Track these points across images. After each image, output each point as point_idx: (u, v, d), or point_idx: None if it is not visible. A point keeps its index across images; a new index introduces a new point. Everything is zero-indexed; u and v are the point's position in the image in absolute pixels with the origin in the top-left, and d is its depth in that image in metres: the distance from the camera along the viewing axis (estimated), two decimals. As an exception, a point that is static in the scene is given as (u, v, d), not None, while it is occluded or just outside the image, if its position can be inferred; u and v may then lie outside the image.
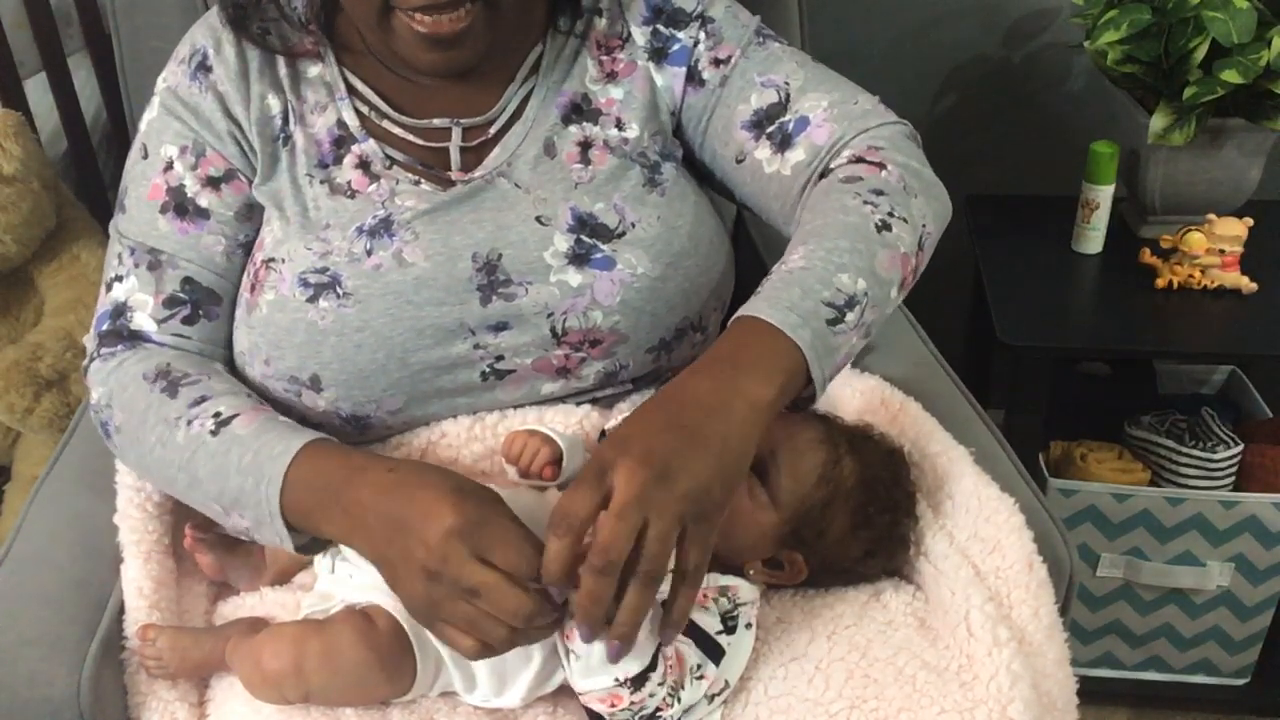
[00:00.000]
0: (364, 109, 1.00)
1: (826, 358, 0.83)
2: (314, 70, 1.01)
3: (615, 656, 0.76)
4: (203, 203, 0.99)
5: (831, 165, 0.98)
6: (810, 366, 0.82)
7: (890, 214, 0.90)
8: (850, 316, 0.85)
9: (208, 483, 0.89)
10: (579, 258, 0.95)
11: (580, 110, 1.02)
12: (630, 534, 0.71)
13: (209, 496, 0.89)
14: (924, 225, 0.93)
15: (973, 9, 1.78)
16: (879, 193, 0.92)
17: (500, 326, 0.95)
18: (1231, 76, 1.42)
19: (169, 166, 0.99)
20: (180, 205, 0.98)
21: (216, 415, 0.90)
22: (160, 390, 0.93)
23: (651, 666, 0.80)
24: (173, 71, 1.01)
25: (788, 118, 1.00)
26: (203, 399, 0.92)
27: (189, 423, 0.90)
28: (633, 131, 1.01)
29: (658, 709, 0.82)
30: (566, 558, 0.73)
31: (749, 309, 0.84)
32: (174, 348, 0.98)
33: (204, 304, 0.99)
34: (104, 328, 0.99)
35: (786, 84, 1.02)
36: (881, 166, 0.95)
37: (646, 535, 0.71)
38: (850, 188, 0.93)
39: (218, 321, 1.00)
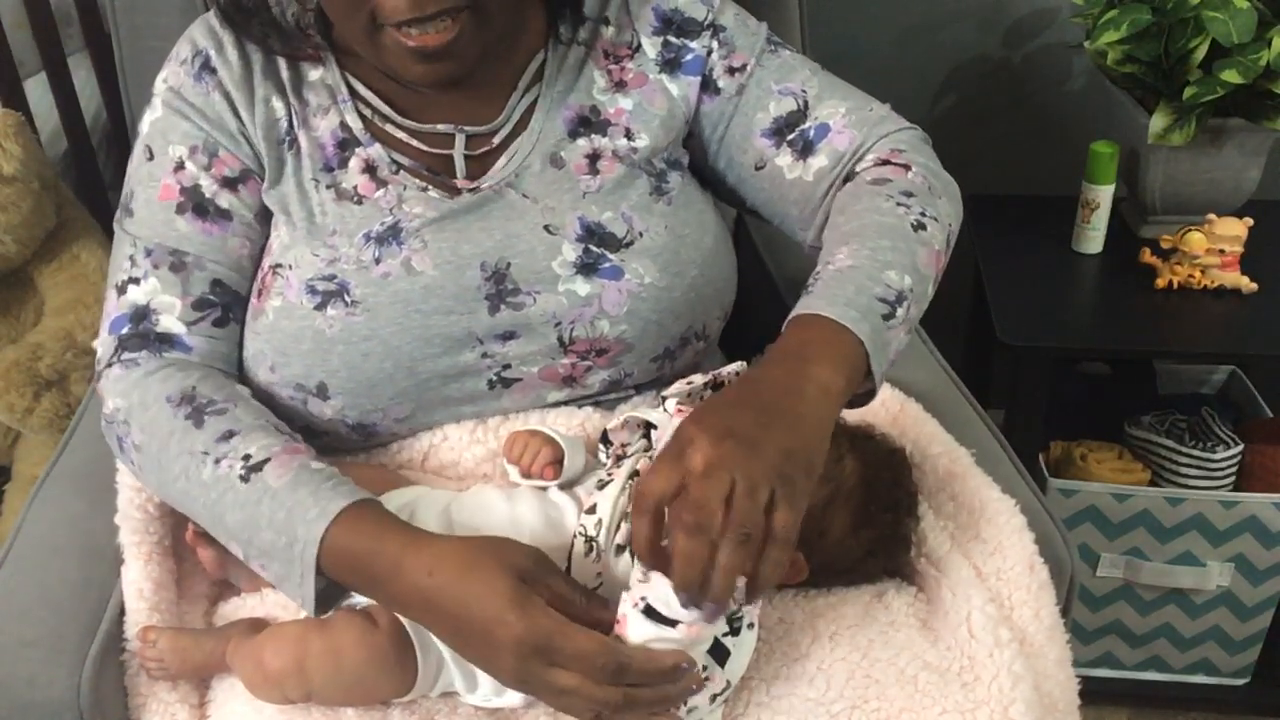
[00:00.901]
0: (366, 112, 1.00)
1: (882, 352, 0.84)
2: (315, 73, 1.00)
3: (712, 616, 0.76)
4: (223, 204, 0.97)
5: (856, 169, 0.99)
6: (870, 359, 0.83)
7: (923, 214, 0.92)
8: (900, 312, 0.86)
9: (236, 530, 0.86)
10: (587, 267, 0.95)
11: (588, 123, 1.01)
12: (719, 492, 0.71)
13: (233, 539, 0.87)
14: (949, 224, 0.96)
15: (973, 9, 1.78)
16: (909, 194, 0.93)
17: (508, 335, 0.95)
18: (1231, 76, 1.42)
19: (180, 166, 0.97)
20: (200, 205, 0.97)
21: (246, 458, 0.86)
22: (184, 417, 0.90)
23: None
24: (174, 72, 1.00)
25: (808, 125, 1.01)
26: (230, 434, 0.88)
27: (216, 461, 0.87)
28: (643, 141, 1.01)
29: (666, 711, 0.82)
30: (649, 534, 0.73)
31: (807, 307, 0.84)
32: (204, 351, 0.96)
33: (233, 307, 0.98)
34: (124, 331, 0.96)
35: (804, 91, 1.02)
36: (906, 169, 0.96)
37: (735, 494, 0.71)
38: (881, 190, 0.94)
39: (243, 325, 0.99)
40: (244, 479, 0.86)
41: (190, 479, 0.88)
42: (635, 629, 0.77)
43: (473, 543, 0.80)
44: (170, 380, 0.93)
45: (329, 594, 0.85)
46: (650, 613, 0.76)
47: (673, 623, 0.76)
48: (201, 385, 0.93)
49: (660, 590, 0.76)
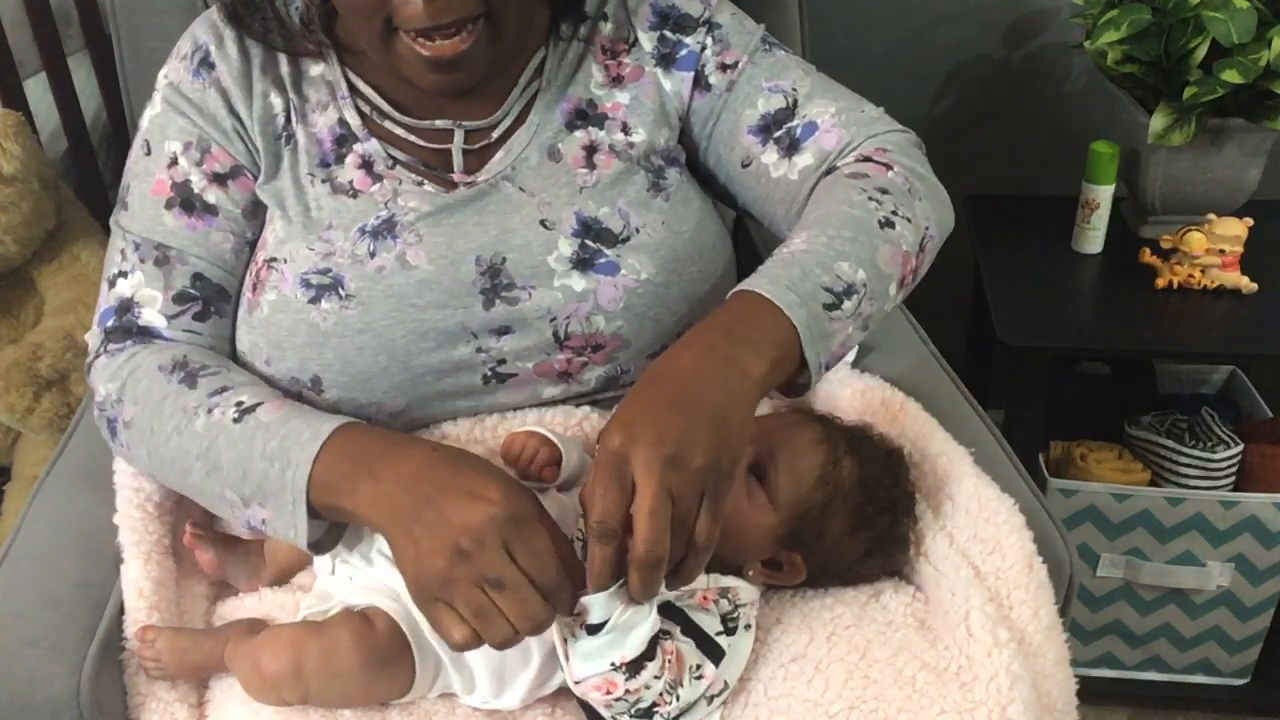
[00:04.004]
0: (365, 109, 1.00)
1: (821, 342, 0.83)
2: (316, 69, 1.01)
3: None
4: (210, 199, 0.98)
5: (838, 164, 0.99)
6: (804, 347, 0.82)
7: (894, 212, 0.91)
8: (847, 305, 0.85)
9: (229, 469, 0.87)
10: (583, 262, 0.95)
11: (585, 115, 1.01)
12: (666, 525, 0.72)
13: (228, 484, 0.88)
14: (927, 228, 0.94)
15: (973, 9, 1.78)
16: (884, 191, 0.93)
17: (502, 330, 0.95)
18: (1231, 76, 1.42)
19: (173, 162, 0.98)
20: (187, 201, 0.98)
21: (239, 404, 0.89)
22: (178, 381, 0.92)
23: (649, 656, 0.80)
24: (174, 67, 1.01)
25: (795, 123, 1.01)
26: (224, 389, 0.91)
27: (209, 411, 0.89)
28: (639, 136, 1.01)
29: (654, 704, 0.82)
30: (614, 563, 0.75)
31: (747, 285, 0.84)
32: (185, 344, 0.98)
33: (214, 300, 0.99)
34: (109, 323, 0.98)
35: (794, 90, 1.02)
36: (888, 167, 0.96)
37: (672, 519, 0.73)
38: (856, 183, 0.94)
39: (228, 319, 1.00)
40: (237, 420, 0.88)
41: (183, 433, 0.90)
42: (586, 647, 0.80)
43: None
44: (162, 352, 0.95)
45: (323, 542, 0.88)
46: (592, 629, 0.79)
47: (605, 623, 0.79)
48: (193, 354, 0.95)
49: (596, 610, 0.78)
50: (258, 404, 0.89)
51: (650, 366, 0.81)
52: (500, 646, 0.77)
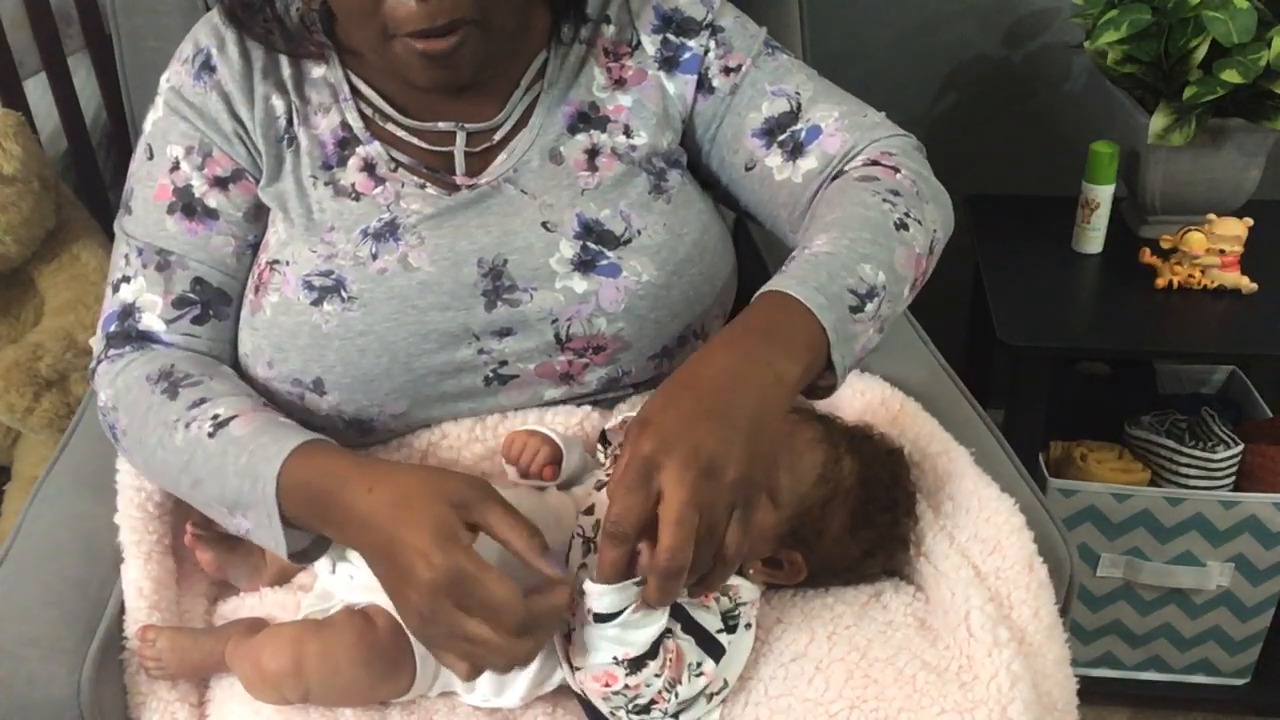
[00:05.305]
0: (368, 111, 1.00)
1: (846, 344, 0.83)
2: (318, 71, 1.01)
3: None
4: (211, 203, 0.98)
5: (845, 169, 0.99)
6: (831, 349, 0.82)
7: (906, 214, 0.92)
8: (869, 307, 0.85)
9: (209, 483, 0.88)
10: (585, 264, 0.95)
11: (587, 118, 1.01)
12: (691, 537, 0.71)
13: (212, 497, 0.89)
14: (935, 231, 0.95)
15: (973, 9, 1.78)
16: (895, 193, 0.93)
17: (504, 332, 0.95)
18: (1231, 76, 1.42)
19: (175, 167, 0.98)
20: (188, 205, 0.98)
21: (214, 417, 0.89)
22: (161, 392, 0.92)
23: (651, 654, 0.81)
24: (176, 71, 1.01)
25: (799, 126, 1.01)
26: (202, 400, 0.91)
27: (187, 425, 0.90)
28: (641, 139, 1.01)
29: (652, 700, 0.82)
30: (623, 564, 0.74)
31: (778, 285, 0.84)
32: (183, 348, 0.98)
33: (214, 304, 0.99)
34: (111, 329, 0.98)
35: (797, 94, 1.02)
36: (896, 170, 0.96)
37: (699, 531, 0.72)
38: (868, 186, 0.94)
39: (228, 321, 1.00)
40: (211, 435, 0.88)
41: (166, 448, 0.90)
42: (590, 636, 0.80)
43: (418, 471, 0.81)
44: (152, 361, 0.95)
45: (308, 551, 0.88)
46: (599, 617, 0.79)
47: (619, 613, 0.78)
48: (180, 363, 0.95)
49: (603, 601, 0.78)
50: (232, 417, 0.89)
51: (686, 365, 0.80)
52: (503, 673, 0.79)
